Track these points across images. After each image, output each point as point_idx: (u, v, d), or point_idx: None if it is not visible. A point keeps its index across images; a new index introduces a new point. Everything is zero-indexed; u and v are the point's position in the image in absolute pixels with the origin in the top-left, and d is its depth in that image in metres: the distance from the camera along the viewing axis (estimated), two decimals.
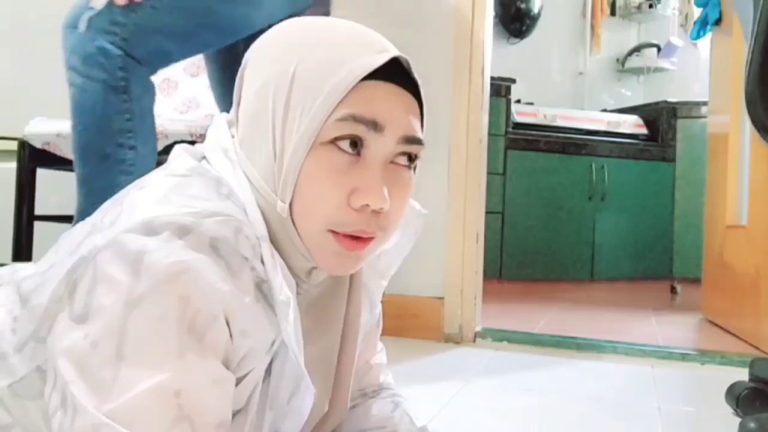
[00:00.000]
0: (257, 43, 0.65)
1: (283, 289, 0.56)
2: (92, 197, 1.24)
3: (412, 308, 1.97)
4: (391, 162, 0.61)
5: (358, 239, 0.59)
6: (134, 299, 0.50)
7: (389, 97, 0.59)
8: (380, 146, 0.59)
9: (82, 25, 1.20)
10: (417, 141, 0.61)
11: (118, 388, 0.49)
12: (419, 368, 1.66)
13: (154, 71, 1.27)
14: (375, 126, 0.58)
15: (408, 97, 0.61)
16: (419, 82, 0.62)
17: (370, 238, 0.60)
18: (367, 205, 0.58)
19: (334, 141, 0.57)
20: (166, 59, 1.29)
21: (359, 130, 0.57)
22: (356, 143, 0.58)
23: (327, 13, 1.57)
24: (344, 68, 0.57)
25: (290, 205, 0.59)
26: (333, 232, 0.59)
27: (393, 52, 0.60)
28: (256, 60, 0.63)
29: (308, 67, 0.58)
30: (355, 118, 0.57)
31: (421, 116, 0.63)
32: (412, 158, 0.62)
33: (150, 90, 1.27)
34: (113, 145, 1.22)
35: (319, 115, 0.57)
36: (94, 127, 1.22)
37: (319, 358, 0.69)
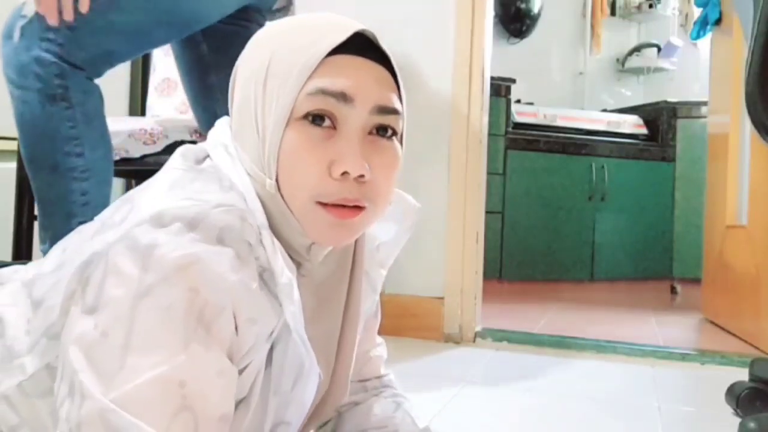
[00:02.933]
0: (247, 46, 0.68)
1: (284, 272, 0.58)
2: (50, 209, 1.22)
3: (412, 308, 1.97)
4: (370, 133, 0.62)
5: (347, 208, 0.60)
6: (143, 290, 0.52)
7: (358, 68, 0.61)
8: (354, 118, 0.60)
9: (16, 35, 1.16)
10: (392, 111, 0.62)
11: (124, 376, 0.50)
12: (419, 368, 1.66)
13: (97, 73, 1.23)
14: (344, 97, 0.59)
15: (379, 69, 0.62)
16: (389, 54, 0.63)
17: (360, 208, 0.61)
18: (347, 173, 0.59)
19: (306, 116, 0.59)
20: (110, 60, 1.25)
21: (329, 104, 0.59)
22: (327, 117, 0.60)
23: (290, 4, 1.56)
24: (313, 47, 0.60)
25: (277, 182, 0.61)
26: (321, 204, 0.60)
27: (359, 27, 0.62)
28: (243, 61, 0.66)
29: (281, 53, 0.61)
30: (324, 92, 0.59)
31: (398, 89, 0.64)
32: (392, 130, 0.63)
33: (93, 93, 1.23)
34: (60, 153, 1.19)
35: (292, 92, 0.59)
36: (37, 139, 1.19)
37: (320, 340, 0.70)
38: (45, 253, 1.23)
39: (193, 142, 1.65)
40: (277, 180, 0.61)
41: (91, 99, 1.22)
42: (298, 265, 0.65)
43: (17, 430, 0.60)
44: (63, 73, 1.16)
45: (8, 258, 1.78)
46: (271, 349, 0.62)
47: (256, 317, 0.57)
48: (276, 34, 0.64)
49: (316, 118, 0.59)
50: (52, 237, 1.22)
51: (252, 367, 0.60)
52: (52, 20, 1.13)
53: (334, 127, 0.60)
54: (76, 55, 1.17)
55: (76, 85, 1.18)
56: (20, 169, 1.79)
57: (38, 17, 1.14)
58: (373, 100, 0.61)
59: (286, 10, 1.53)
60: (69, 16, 1.13)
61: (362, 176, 0.59)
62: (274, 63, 0.61)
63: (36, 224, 1.80)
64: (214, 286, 0.53)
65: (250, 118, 0.63)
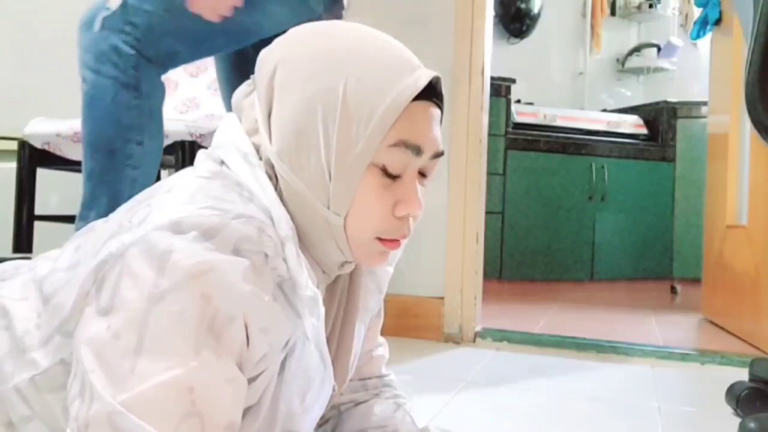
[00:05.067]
0: (284, 50, 0.66)
1: (309, 285, 0.59)
2: (98, 190, 1.26)
3: (412, 308, 1.97)
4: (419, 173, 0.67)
5: (397, 240, 0.66)
6: (157, 294, 0.52)
7: (427, 117, 0.65)
8: (417, 164, 0.66)
9: (97, 25, 1.23)
10: (441, 154, 0.68)
11: (134, 379, 0.50)
12: (419, 368, 1.66)
13: (165, 71, 1.30)
14: (418, 151, 0.64)
15: (437, 112, 0.67)
16: (444, 96, 0.68)
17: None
18: (409, 213, 0.65)
19: (383, 167, 0.63)
20: (176, 60, 1.33)
21: (407, 156, 0.63)
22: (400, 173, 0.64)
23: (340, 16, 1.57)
24: (392, 91, 0.62)
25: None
26: (379, 238, 0.64)
27: (428, 70, 0.65)
28: (291, 70, 0.64)
29: (358, 86, 0.62)
30: (406, 144, 0.63)
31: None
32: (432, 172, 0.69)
33: (160, 89, 1.30)
34: (122, 140, 1.24)
35: (375, 139, 0.61)
36: (103, 122, 1.24)
37: (328, 338, 0.72)
38: None
39: (193, 143, 1.65)
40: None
41: (157, 94, 1.30)
42: (321, 272, 0.67)
43: (29, 422, 0.61)
44: (138, 64, 1.23)
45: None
46: (285, 358, 0.63)
47: (268, 327, 0.57)
48: (342, 56, 0.63)
49: (391, 171, 0.63)
50: (96, 217, 1.26)
51: (265, 375, 0.60)
52: (211, 16, 1.22)
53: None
54: (149, 50, 1.24)
55: (147, 78, 1.25)
56: (20, 168, 1.79)
57: (122, 11, 1.22)
58: (434, 149, 0.66)
59: None
60: (227, 11, 1.22)
61: (417, 214, 0.66)
62: (352, 99, 0.61)
63: (36, 223, 1.80)
64: (226, 295, 0.53)
65: (314, 148, 0.62)
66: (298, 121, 0.62)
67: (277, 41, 0.68)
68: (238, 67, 1.50)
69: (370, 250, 0.65)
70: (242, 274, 0.54)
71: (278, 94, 0.64)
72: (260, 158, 0.64)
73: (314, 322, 0.60)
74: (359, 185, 0.62)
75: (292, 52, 0.65)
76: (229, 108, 1.52)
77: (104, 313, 0.53)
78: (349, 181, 0.61)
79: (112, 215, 0.65)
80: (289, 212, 0.62)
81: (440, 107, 0.68)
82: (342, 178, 0.61)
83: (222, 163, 0.65)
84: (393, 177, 0.64)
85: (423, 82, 0.63)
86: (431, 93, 0.65)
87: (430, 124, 0.65)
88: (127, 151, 1.25)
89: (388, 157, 0.62)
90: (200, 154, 0.67)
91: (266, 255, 0.57)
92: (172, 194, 0.60)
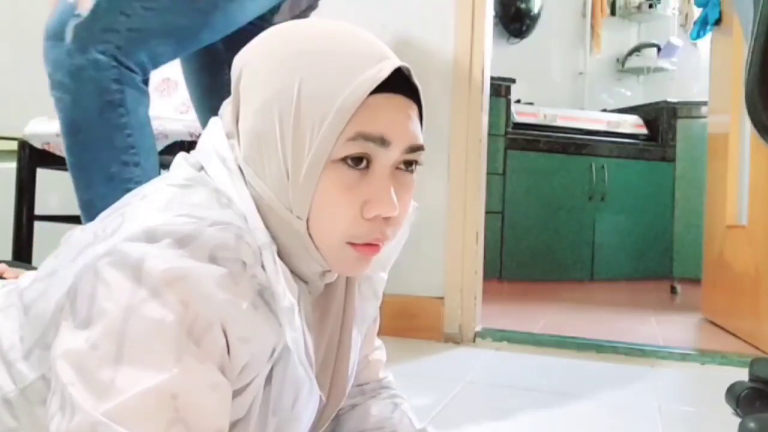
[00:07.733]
0: (249, 54, 0.64)
1: (286, 295, 0.57)
2: None
3: (412, 308, 1.97)
4: (397, 168, 0.62)
5: (374, 245, 0.62)
6: (134, 303, 0.51)
7: (394, 109, 0.60)
8: (387, 158, 0.60)
9: (69, 35, 1.10)
10: (420, 148, 0.63)
11: (116, 389, 0.49)
12: (419, 368, 1.66)
13: (146, 76, 1.20)
14: (382, 142, 0.59)
15: (409, 104, 0.62)
16: (419, 87, 0.63)
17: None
18: (379, 214, 0.60)
19: (344, 159, 0.59)
20: (158, 62, 1.22)
21: (368, 148, 0.59)
22: (366, 160, 0.60)
23: (314, 5, 1.53)
24: (350, 84, 0.58)
25: (306, 220, 0.60)
26: (350, 243, 0.61)
27: (393, 60, 0.61)
28: (252, 74, 0.63)
29: (312, 85, 0.59)
30: (365, 137, 0.58)
31: (420, 118, 0.64)
32: (413, 162, 0.64)
33: (144, 99, 1.19)
34: (118, 163, 1.13)
35: (330, 135, 0.58)
36: (92, 148, 1.13)
37: (323, 351, 0.70)
38: None
39: (193, 142, 1.65)
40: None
41: (143, 105, 1.18)
42: (305, 282, 0.65)
43: None
44: (121, 77, 1.11)
45: (8, 258, 1.78)
46: (271, 369, 0.62)
47: (248, 337, 0.56)
48: (302, 53, 0.60)
49: (355, 161, 0.59)
50: None
51: (252, 386, 0.59)
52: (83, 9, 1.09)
53: (367, 167, 0.60)
54: (132, 57, 1.13)
55: (131, 91, 1.14)
56: (20, 168, 1.79)
57: (94, 16, 1.09)
58: (407, 141, 0.61)
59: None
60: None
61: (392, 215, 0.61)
62: (306, 98, 0.58)
63: (36, 223, 1.81)
64: (203, 301, 0.52)
65: (274, 151, 0.60)
66: (258, 125, 0.61)
67: (247, 45, 0.66)
68: (208, 69, 1.38)
69: (343, 256, 0.61)
70: (217, 282, 0.53)
71: (243, 100, 0.63)
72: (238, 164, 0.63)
73: (294, 336, 0.58)
74: (319, 185, 0.58)
75: (255, 56, 0.63)
76: (200, 113, 1.49)
77: (81, 326, 0.52)
78: (306, 181, 0.58)
79: (89, 224, 0.64)
80: (263, 220, 0.60)
81: (416, 101, 0.63)
82: (299, 178, 0.58)
83: (201, 168, 0.63)
84: (359, 169, 0.59)
85: (384, 74, 0.58)
86: (403, 86, 0.61)
87: (397, 115, 0.60)
88: (125, 176, 1.13)
89: (348, 151, 0.58)
90: (178, 159, 0.65)
91: (244, 263, 0.55)
92: (147, 202, 0.58)
